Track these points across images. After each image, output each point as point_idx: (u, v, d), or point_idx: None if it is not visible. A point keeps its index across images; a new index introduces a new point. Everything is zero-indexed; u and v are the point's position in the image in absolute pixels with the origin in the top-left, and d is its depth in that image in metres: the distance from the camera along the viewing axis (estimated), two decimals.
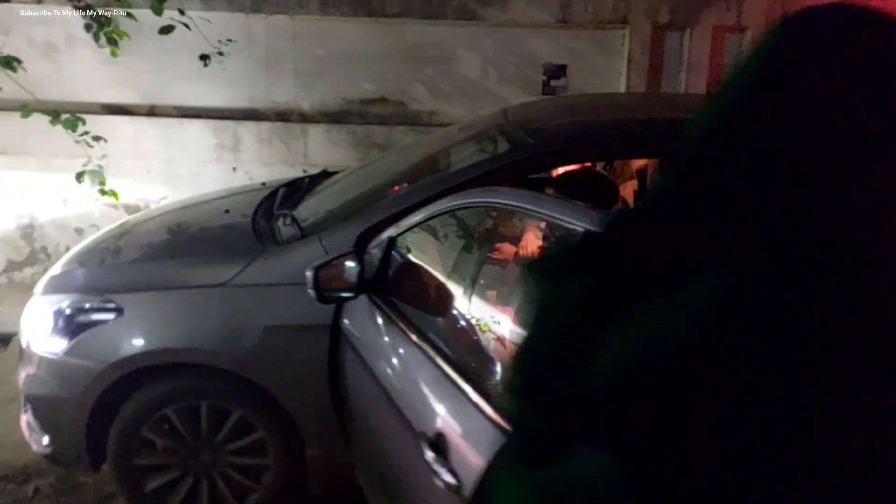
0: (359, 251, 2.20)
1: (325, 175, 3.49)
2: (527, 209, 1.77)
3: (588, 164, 2.85)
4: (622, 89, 4.94)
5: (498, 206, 1.99)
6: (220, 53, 4.35)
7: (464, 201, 2.03)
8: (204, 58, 4.32)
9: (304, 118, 5.02)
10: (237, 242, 2.68)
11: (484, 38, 4.93)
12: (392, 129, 4.95)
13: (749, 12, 4.91)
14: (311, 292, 2.05)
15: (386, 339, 2.03)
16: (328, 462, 2.47)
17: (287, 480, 2.51)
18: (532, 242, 2.29)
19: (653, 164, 2.90)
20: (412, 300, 2.10)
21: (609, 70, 5.00)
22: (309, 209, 2.87)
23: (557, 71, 4.86)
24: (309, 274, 2.04)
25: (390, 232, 2.22)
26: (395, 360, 1.95)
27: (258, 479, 2.54)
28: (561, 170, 2.72)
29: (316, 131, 4.97)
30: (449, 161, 2.92)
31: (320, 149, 4.96)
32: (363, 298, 2.14)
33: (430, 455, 1.53)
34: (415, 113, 5.03)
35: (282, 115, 5.01)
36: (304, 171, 4.45)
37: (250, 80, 4.91)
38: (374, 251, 2.24)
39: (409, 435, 1.68)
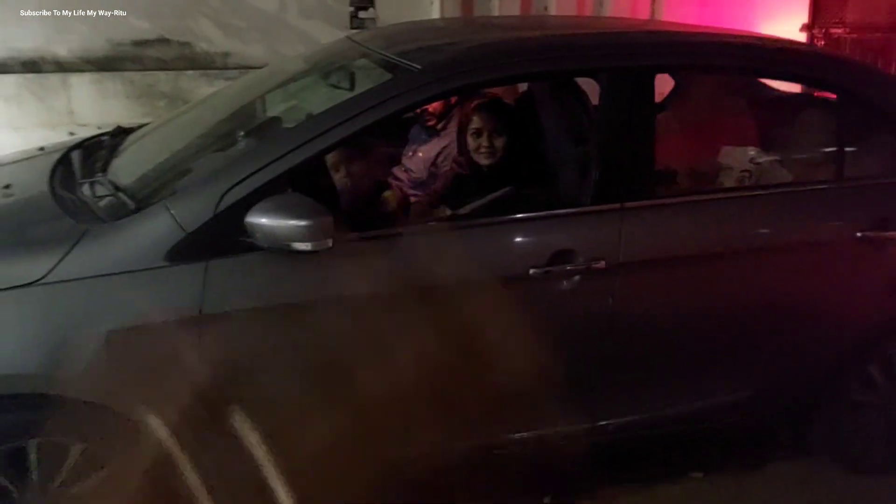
0: None
1: (123, 132, 2.80)
2: None
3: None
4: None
5: None
6: None
7: None
8: None
9: (62, 67, 4.08)
10: (41, 226, 2.01)
11: None
12: (180, 76, 4.21)
13: None
14: None
15: None
16: None
17: None
18: None
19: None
20: None
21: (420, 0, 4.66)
22: (125, 174, 2.25)
23: (365, 1, 4.43)
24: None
25: None
26: None
27: None
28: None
29: (80, 82, 4.07)
30: (300, 102, 2.46)
31: (90, 104, 4.09)
32: None
33: None
34: (205, 54, 4.32)
35: (30, 65, 4.02)
36: (71, 134, 3.65)
37: None
38: None
39: None
